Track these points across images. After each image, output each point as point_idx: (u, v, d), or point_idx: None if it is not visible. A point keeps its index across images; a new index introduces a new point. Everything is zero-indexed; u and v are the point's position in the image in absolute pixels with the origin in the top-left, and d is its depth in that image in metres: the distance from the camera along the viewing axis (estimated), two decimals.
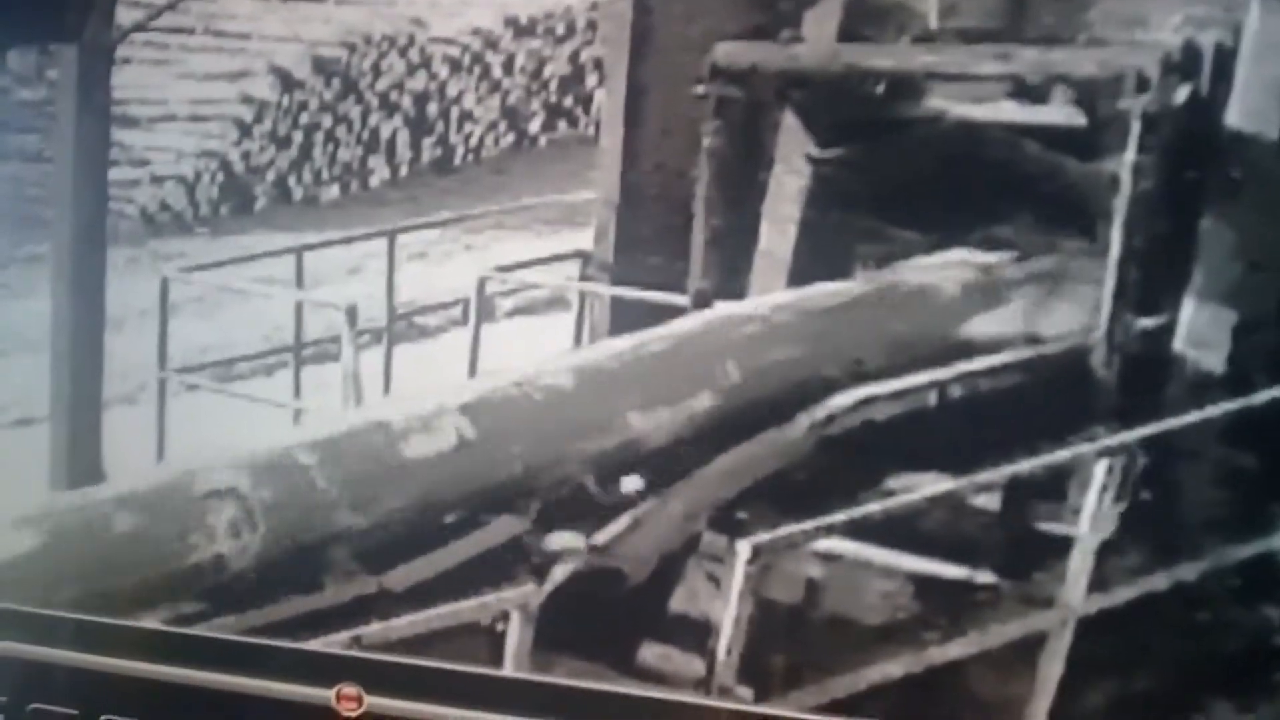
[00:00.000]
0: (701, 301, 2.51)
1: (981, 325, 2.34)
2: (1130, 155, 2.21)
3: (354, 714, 2.24)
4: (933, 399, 2.30)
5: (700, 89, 2.49)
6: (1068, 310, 2.29)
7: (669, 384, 2.35)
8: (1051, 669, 2.18)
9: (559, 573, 2.25)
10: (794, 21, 2.48)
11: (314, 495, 2.24)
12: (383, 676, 2.24)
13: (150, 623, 2.34)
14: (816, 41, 2.46)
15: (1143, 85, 2.20)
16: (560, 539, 2.27)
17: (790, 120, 2.48)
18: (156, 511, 2.25)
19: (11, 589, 2.29)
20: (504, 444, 2.30)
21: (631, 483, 2.31)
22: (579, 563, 2.25)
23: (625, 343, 2.41)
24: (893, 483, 2.21)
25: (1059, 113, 2.33)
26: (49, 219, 2.87)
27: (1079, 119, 2.32)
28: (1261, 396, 2.12)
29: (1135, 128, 2.20)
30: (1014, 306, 2.32)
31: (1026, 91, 2.33)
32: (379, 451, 2.28)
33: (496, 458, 2.29)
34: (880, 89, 2.40)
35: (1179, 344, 2.25)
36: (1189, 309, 2.24)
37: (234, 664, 2.30)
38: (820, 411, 2.32)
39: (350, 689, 2.23)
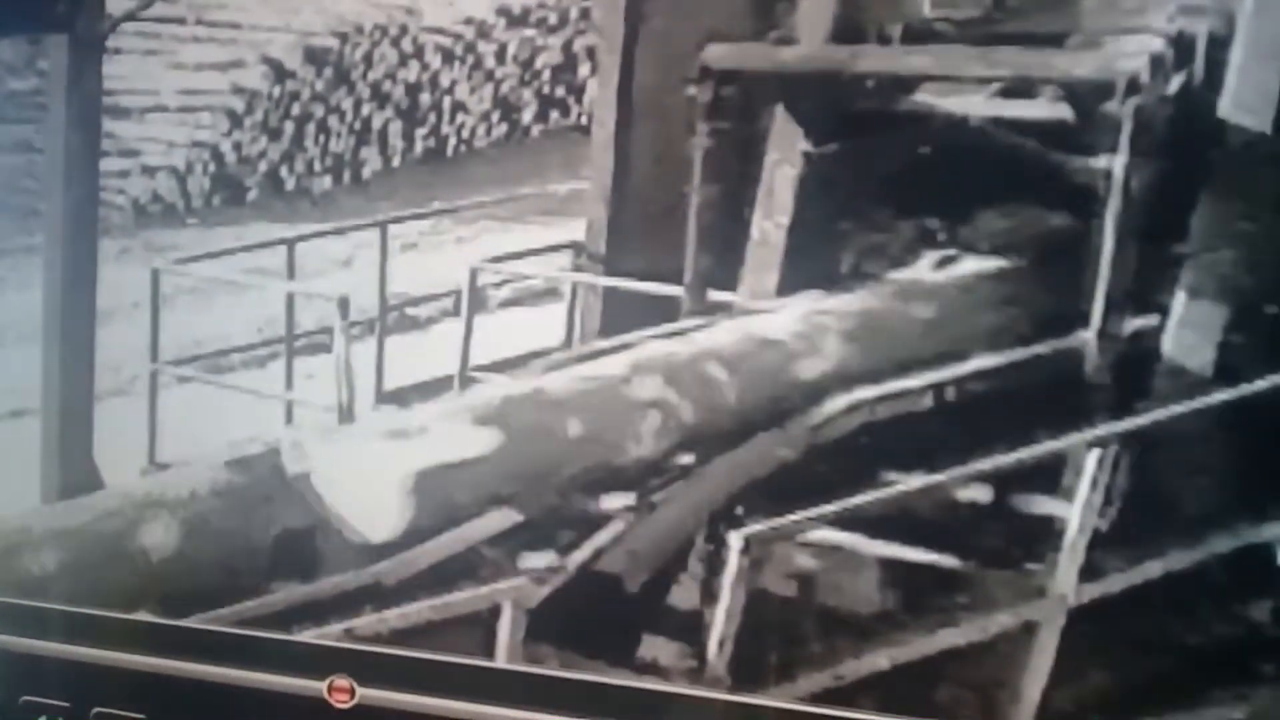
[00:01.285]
0: (696, 293, 2.51)
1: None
2: (1122, 156, 2.21)
3: (346, 705, 2.24)
4: (927, 402, 2.31)
5: (692, 90, 2.49)
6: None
7: None
8: (1043, 658, 2.18)
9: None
10: (786, 18, 2.47)
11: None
12: (374, 668, 2.24)
13: (144, 615, 2.35)
14: (808, 41, 2.45)
15: (1133, 88, 2.19)
16: None
17: (782, 117, 2.48)
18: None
19: (470, 482, 2.33)
20: None
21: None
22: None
23: None
24: (884, 482, 2.21)
25: (1049, 108, 2.33)
26: (41, 210, 2.86)
27: (1069, 114, 2.31)
28: (1252, 390, 2.12)
29: (1127, 128, 2.20)
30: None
31: (1016, 88, 2.32)
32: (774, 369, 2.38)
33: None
34: (871, 84, 2.39)
35: (1169, 340, 2.25)
36: (1180, 305, 2.24)
37: (226, 656, 2.30)
38: (815, 415, 2.32)
39: (342, 681, 2.23)
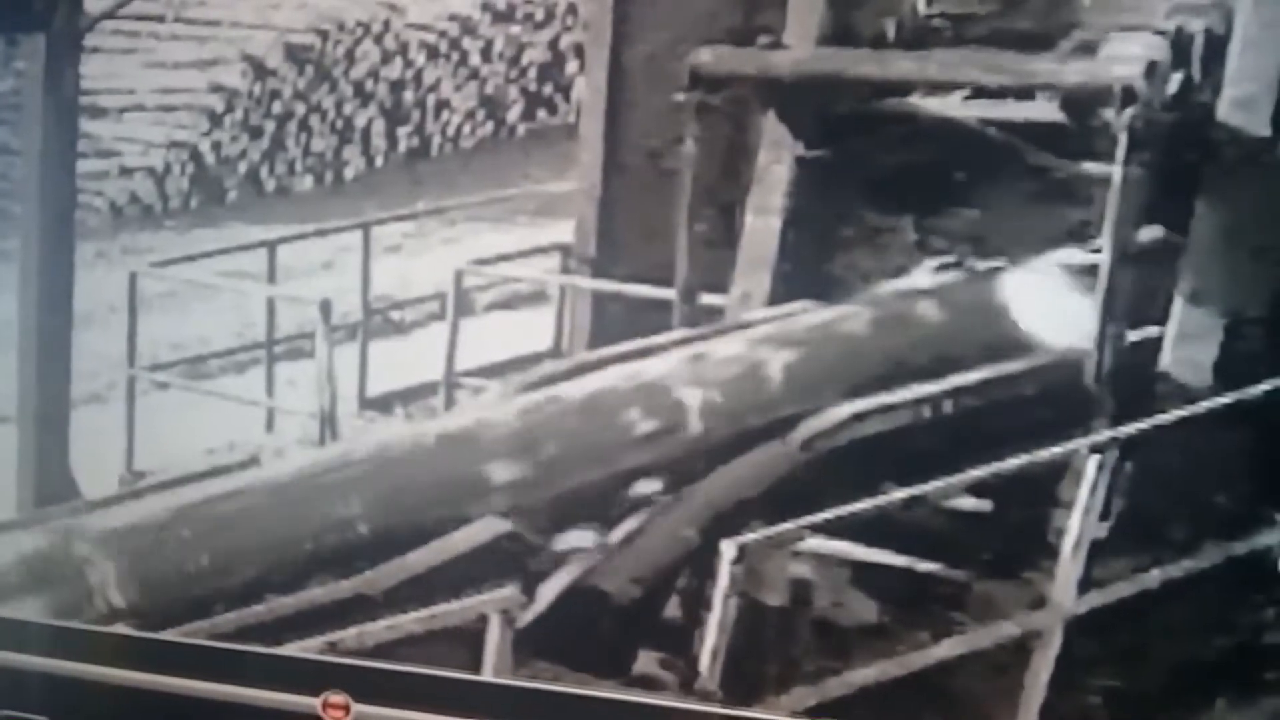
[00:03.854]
0: (688, 296, 2.48)
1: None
2: (1119, 165, 2.18)
3: None
4: (924, 414, 2.28)
5: (681, 96, 2.45)
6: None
7: None
8: (1042, 668, 2.15)
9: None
10: (775, 21, 2.44)
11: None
12: (367, 683, 2.20)
13: (122, 629, 2.30)
14: (797, 45, 2.42)
15: (1129, 98, 2.16)
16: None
17: (772, 121, 2.45)
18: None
19: None
20: None
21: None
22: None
23: None
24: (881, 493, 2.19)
25: (1045, 110, 2.30)
26: (16, 213, 2.82)
27: (1063, 118, 2.29)
28: (1251, 396, 2.10)
29: (1123, 139, 2.17)
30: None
31: (1010, 91, 2.30)
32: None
33: None
34: (864, 89, 2.37)
35: (1168, 346, 2.22)
36: (1179, 309, 2.22)
37: (209, 670, 2.26)
38: (812, 426, 2.29)
39: (337, 697, 2.19)
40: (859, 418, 2.28)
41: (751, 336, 2.40)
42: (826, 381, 2.34)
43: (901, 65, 2.34)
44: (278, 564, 2.20)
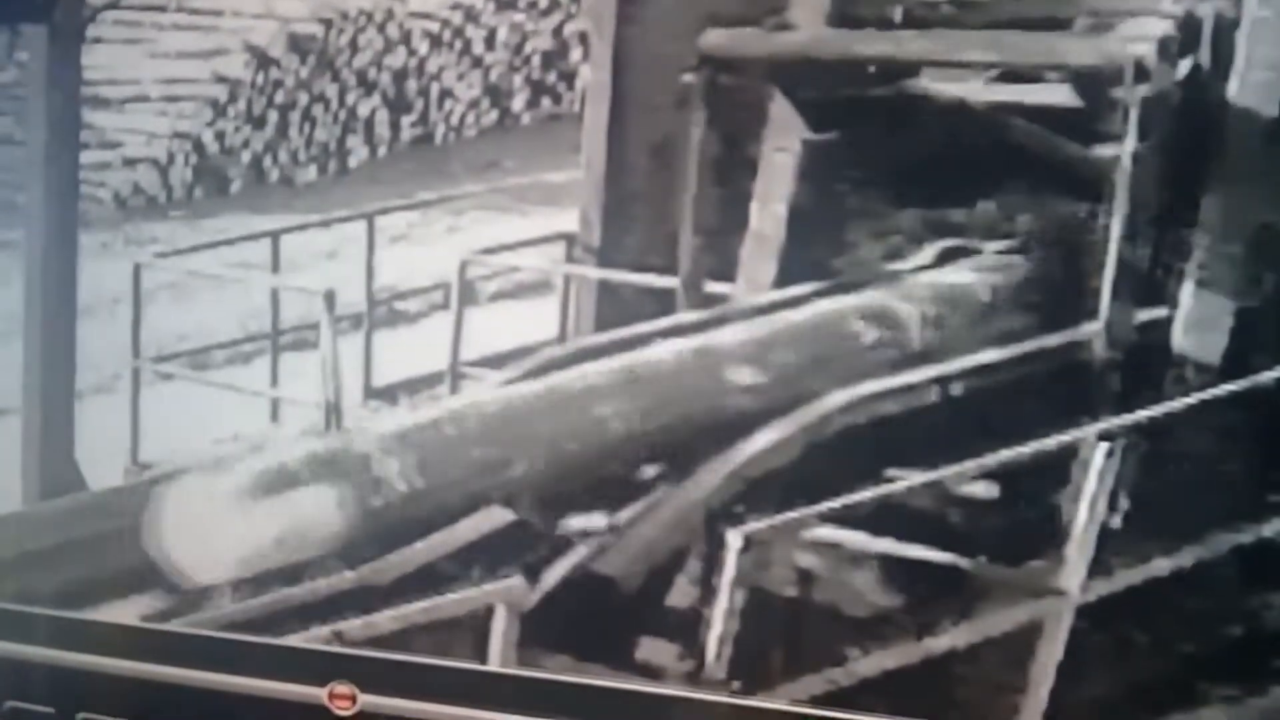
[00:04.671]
0: (693, 287, 2.47)
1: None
2: (1129, 144, 2.17)
3: (348, 712, 2.18)
4: (932, 395, 2.27)
5: (688, 77, 2.44)
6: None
7: None
8: (1050, 657, 2.14)
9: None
10: (783, 2, 2.43)
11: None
12: (372, 673, 2.19)
13: (129, 619, 2.30)
14: (805, 26, 2.41)
15: (1141, 74, 2.15)
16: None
17: (780, 104, 2.43)
18: None
19: None
20: None
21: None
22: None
23: None
24: (888, 479, 2.18)
25: (1053, 93, 2.29)
26: (20, 204, 2.82)
27: (1075, 100, 2.27)
28: (1262, 381, 2.09)
29: (1134, 116, 2.16)
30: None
31: (1020, 72, 2.28)
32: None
33: None
34: (871, 70, 2.35)
35: (1178, 332, 2.21)
36: (1189, 295, 2.21)
37: (215, 661, 2.26)
38: (817, 409, 2.28)
39: (343, 687, 2.18)
40: (869, 399, 2.27)
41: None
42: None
43: (912, 45, 2.33)
44: (549, 461, 2.31)
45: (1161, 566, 2.12)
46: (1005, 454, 2.13)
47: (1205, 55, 2.19)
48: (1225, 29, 2.18)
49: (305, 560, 2.23)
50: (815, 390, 2.28)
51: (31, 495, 2.71)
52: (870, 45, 2.36)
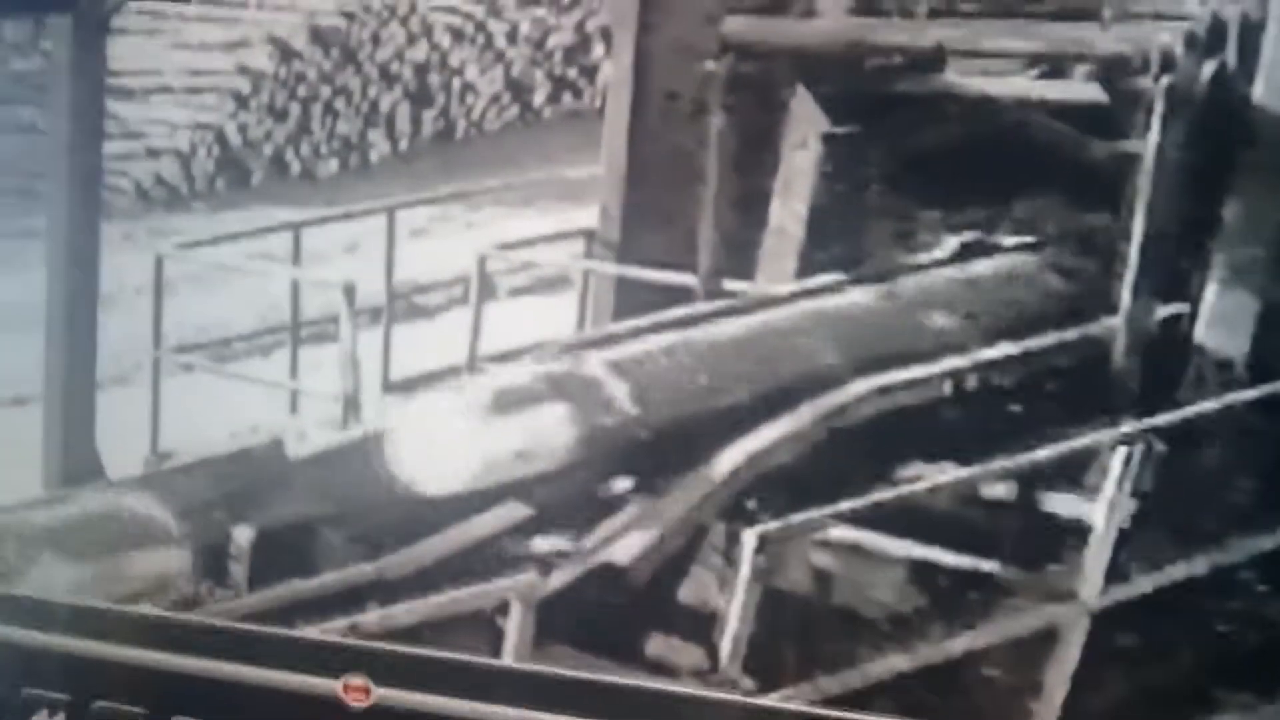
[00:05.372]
0: (712, 283, 2.46)
1: None
2: (1154, 135, 2.15)
3: (362, 705, 2.18)
4: (947, 389, 2.26)
5: (711, 65, 2.43)
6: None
7: None
8: (1067, 662, 2.13)
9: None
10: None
11: None
12: (387, 666, 2.20)
13: (147, 608, 2.31)
14: (829, 15, 2.40)
15: (1168, 64, 2.13)
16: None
17: (802, 96, 2.42)
18: None
19: None
20: None
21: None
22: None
23: None
24: (905, 474, 2.17)
25: (1078, 88, 2.27)
26: (43, 193, 2.83)
27: (1099, 95, 2.26)
28: None
29: (1159, 107, 2.14)
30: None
31: (1045, 67, 2.27)
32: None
33: None
34: (895, 60, 2.34)
35: (1200, 332, 2.19)
36: (1211, 294, 2.19)
37: (231, 652, 2.26)
38: (832, 401, 2.27)
39: (357, 680, 2.18)
40: (881, 392, 2.26)
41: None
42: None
43: (935, 33, 2.32)
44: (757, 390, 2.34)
45: (1178, 571, 2.11)
46: (1023, 458, 2.12)
47: (1231, 55, 2.17)
48: (1251, 31, 2.17)
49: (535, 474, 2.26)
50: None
51: (53, 483, 2.72)
52: (893, 34, 2.35)
